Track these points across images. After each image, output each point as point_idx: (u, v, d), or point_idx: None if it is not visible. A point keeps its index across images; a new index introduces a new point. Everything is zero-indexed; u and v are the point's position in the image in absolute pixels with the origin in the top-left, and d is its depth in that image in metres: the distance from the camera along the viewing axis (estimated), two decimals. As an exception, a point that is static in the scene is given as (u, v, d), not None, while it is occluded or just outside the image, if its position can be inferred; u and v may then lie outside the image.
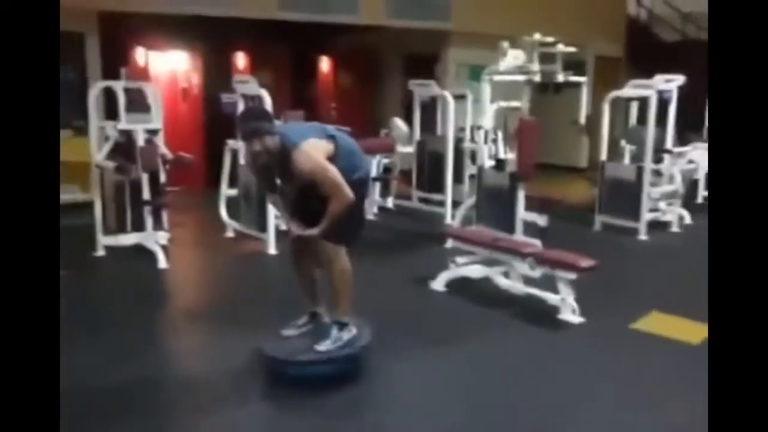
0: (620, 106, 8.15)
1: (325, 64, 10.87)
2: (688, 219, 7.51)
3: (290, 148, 3.32)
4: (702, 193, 8.17)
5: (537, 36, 6.18)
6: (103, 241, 5.87)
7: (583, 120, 7.47)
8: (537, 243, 5.17)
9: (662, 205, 7.40)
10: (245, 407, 3.30)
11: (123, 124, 5.76)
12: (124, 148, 5.88)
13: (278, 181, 3.62)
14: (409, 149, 8.10)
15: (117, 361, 3.77)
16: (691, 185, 8.07)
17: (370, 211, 7.45)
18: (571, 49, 6.44)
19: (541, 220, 5.59)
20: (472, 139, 7.40)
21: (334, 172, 3.31)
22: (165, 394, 3.51)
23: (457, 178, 7.63)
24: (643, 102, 7.19)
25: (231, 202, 6.81)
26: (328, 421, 3.21)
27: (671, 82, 7.46)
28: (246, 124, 3.38)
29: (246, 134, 3.36)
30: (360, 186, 3.47)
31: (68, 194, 7.18)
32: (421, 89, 8.06)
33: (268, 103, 5.98)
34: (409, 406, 3.36)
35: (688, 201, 7.78)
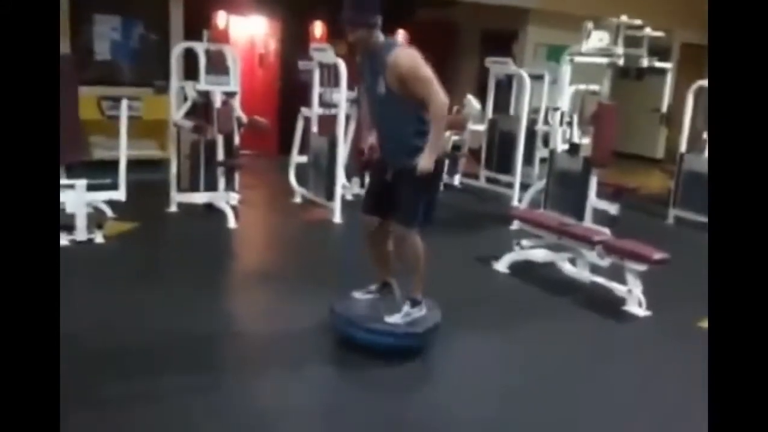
0: (704, 96, 7.81)
1: (401, 36, 10.78)
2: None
3: (389, 47, 3.29)
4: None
5: (624, 18, 5.98)
6: (177, 197, 6.05)
7: (665, 109, 7.21)
8: (606, 231, 5.05)
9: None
10: (306, 369, 3.37)
11: (202, 85, 5.89)
12: (201, 109, 6.03)
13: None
14: (480, 127, 7.99)
15: (183, 315, 3.90)
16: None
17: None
18: (658, 34, 6.21)
19: (613, 208, 5.46)
20: (546, 121, 7.24)
21: (431, 72, 3.26)
22: (228, 351, 3.62)
23: (528, 160, 7.49)
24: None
25: (300, 169, 6.91)
26: (384, 393, 3.25)
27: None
28: (353, 11, 3.27)
29: (350, 20, 3.27)
30: (436, 167, 3.41)
31: (146, 150, 7.47)
32: (498, 67, 7.93)
33: (343, 72, 6.01)
34: (465, 386, 3.36)
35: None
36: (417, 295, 3.56)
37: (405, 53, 3.28)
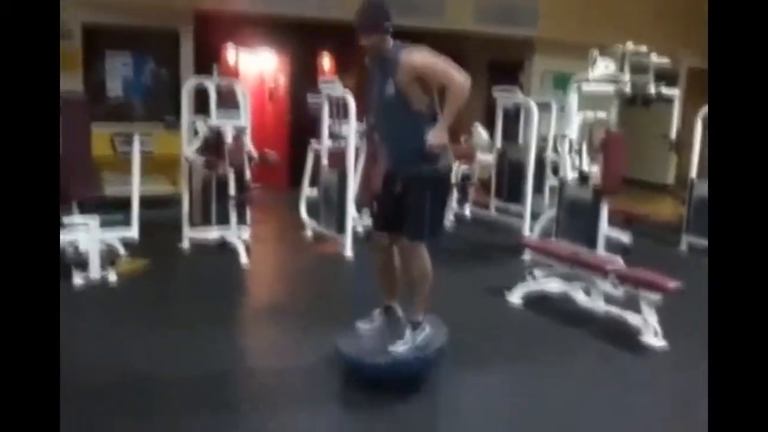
0: (713, 121, 7.80)
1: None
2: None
3: (399, 48, 3.36)
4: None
5: (630, 45, 6.01)
6: (189, 233, 6.08)
7: (673, 135, 7.20)
8: (619, 260, 5.02)
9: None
10: (314, 407, 3.35)
11: (213, 120, 5.95)
12: (212, 144, 6.08)
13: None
14: (489, 157, 8.01)
15: (195, 352, 3.89)
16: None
17: (447, 219, 7.41)
18: (664, 60, 6.23)
19: (625, 236, 5.43)
20: (555, 150, 7.24)
21: (446, 62, 3.32)
22: (239, 389, 3.61)
23: (537, 189, 7.48)
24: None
25: (311, 203, 6.93)
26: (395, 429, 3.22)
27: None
28: (366, 16, 3.37)
29: (362, 25, 3.36)
30: (445, 176, 3.45)
31: (157, 186, 7.51)
32: (505, 96, 7.96)
33: (351, 105, 6.06)
34: (475, 420, 3.32)
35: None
36: (419, 317, 3.55)
37: (417, 50, 3.37)
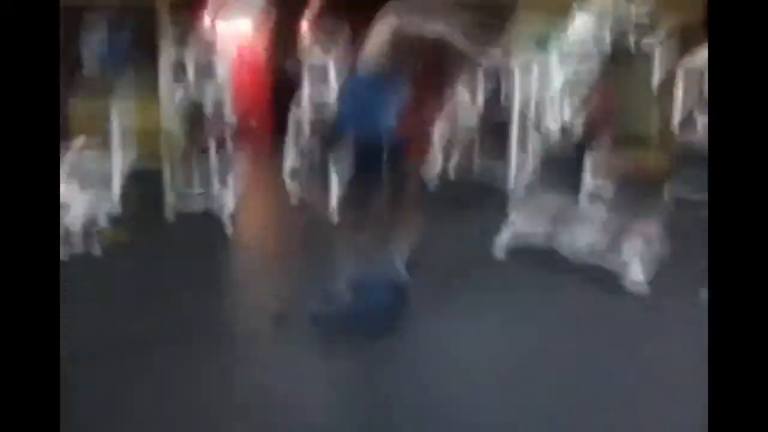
0: (693, 74, 7.78)
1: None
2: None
3: None
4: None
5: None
6: (172, 204, 6.07)
7: (655, 87, 7.20)
8: (603, 210, 5.05)
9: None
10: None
11: (192, 91, 5.91)
12: (192, 115, 6.04)
13: None
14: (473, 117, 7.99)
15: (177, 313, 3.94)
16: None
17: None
18: (645, 12, 6.21)
19: (608, 188, 5.47)
20: (539, 108, 7.23)
21: None
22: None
23: (522, 147, 7.47)
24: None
25: (294, 169, 6.92)
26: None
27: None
28: None
29: None
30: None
31: (138, 158, 7.47)
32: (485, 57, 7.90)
33: (331, 71, 6.03)
34: (455, 366, 3.41)
35: None
36: None
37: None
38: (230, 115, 6.11)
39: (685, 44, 10.34)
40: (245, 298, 4.54)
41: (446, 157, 8.05)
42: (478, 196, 7.31)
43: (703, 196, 5.94)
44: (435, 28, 3.29)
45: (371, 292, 3.70)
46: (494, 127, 7.78)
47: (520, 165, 7.32)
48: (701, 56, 7.24)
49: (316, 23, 7.89)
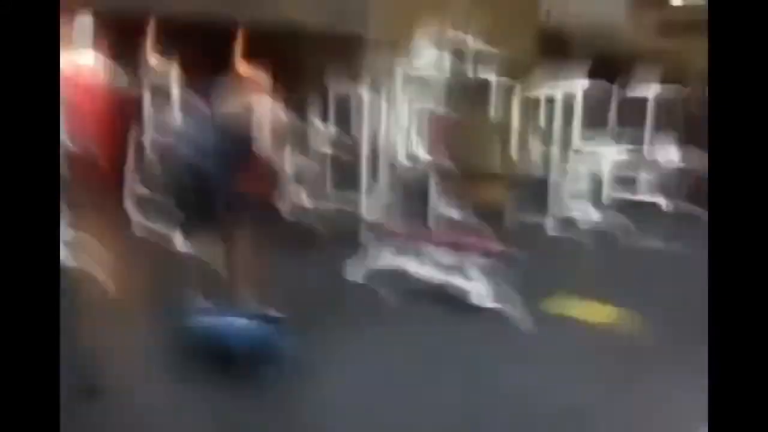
0: (532, 107, 8.34)
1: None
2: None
3: None
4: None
5: (450, 32, 6.26)
6: None
7: (494, 120, 7.62)
8: (453, 233, 5.22)
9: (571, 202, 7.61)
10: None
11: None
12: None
13: None
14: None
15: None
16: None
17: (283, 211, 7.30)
18: (484, 47, 6.57)
19: (456, 212, 5.66)
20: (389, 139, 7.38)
21: None
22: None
23: (373, 176, 7.58)
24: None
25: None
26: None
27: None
28: None
29: None
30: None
31: None
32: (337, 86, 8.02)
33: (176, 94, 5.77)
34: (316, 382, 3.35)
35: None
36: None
37: None
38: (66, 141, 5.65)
39: (520, 75, 11.09)
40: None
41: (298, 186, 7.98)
42: (332, 225, 7.31)
43: (539, 219, 6.34)
44: None
45: (229, 331, 3.45)
46: (345, 156, 7.84)
47: (371, 193, 7.40)
48: (536, 86, 7.77)
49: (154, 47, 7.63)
